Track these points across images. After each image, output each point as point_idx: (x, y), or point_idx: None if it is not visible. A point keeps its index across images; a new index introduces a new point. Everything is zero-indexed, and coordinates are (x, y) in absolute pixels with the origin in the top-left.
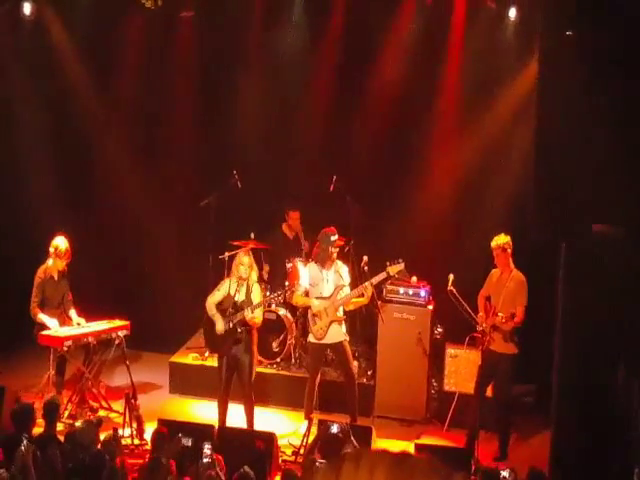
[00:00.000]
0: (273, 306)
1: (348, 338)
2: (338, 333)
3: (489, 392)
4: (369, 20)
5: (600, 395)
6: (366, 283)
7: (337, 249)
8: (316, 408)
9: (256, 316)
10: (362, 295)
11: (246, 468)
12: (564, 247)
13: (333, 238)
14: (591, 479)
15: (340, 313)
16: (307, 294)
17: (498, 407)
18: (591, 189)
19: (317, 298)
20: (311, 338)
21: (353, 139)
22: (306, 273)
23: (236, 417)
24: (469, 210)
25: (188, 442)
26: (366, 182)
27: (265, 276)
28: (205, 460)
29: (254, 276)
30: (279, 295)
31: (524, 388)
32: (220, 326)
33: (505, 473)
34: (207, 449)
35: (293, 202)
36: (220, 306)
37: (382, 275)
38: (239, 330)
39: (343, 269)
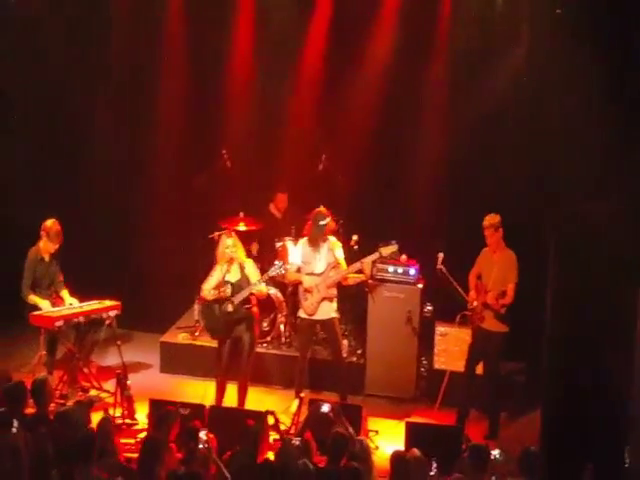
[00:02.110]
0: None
1: (339, 316)
2: (329, 310)
3: (479, 370)
4: (357, 3)
5: (590, 375)
6: (364, 261)
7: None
8: (306, 386)
9: (263, 288)
10: (359, 272)
11: (238, 447)
12: (552, 227)
13: (322, 223)
14: (581, 458)
15: (332, 291)
16: (299, 271)
17: (488, 385)
18: (580, 169)
19: (308, 274)
20: (301, 314)
21: (343, 118)
22: (298, 250)
23: (228, 396)
24: (459, 189)
25: (186, 411)
26: (356, 161)
27: (254, 252)
28: (201, 446)
29: (242, 253)
30: (281, 266)
31: (515, 366)
32: (228, 306)
33: (495, 453)
34: (203, 435)
35: (281, 184)
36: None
37: (374, 255)
38: (241, 309)
39: (337, 247)
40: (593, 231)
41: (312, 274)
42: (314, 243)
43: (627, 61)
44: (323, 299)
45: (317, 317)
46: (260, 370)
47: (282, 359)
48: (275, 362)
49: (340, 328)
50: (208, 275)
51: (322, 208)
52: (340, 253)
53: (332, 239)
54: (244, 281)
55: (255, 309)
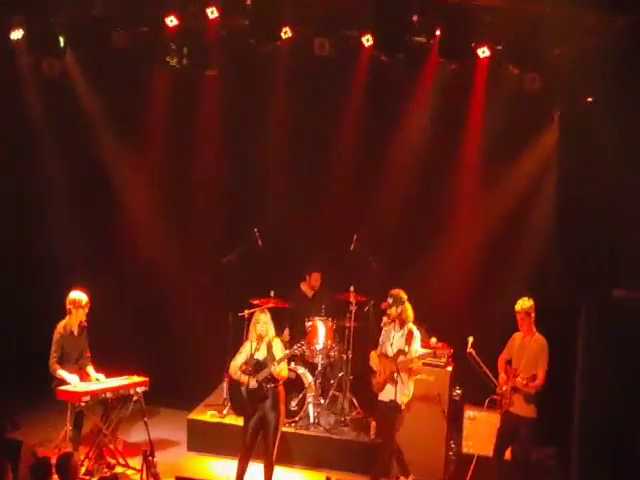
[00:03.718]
0: (292, 364)
1: (402, 403)
2: (392, 392)
3: (508, 455)
4: (392, 83)
5: (621, 457)
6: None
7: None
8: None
9: (282, 369)
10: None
11: None
12: (585, 311)
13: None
14: None
15: (401, 377)
16: None
17: (518, 470)
18: (613, 254)
19: (380, 355)
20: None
21: (375, 199)
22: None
23: (254, 476)
24: (490, 273)
25: None
26: (387, 242)
27: (285, 338)
28: None
29: (272, 331)
30: (301, 346)
31: (545, 451)
32: (251, 382)
33: None
34: None
35: (314, 263)
36: (243, 367)
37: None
38: (266, 387)
39: (414, 338)
40: (623, 318)
41: (383, 355)
42: (391, 325)
43: None
44: (386, 382)
45: (382, 398)
46: (288, 450)
47: (310, 439)
48: (303, 442)
49: (394, 418)
50: (237, 352)
51: (395, 291)
52: (415, 346)
53: (412, 328)
54: (270, 359)
55: (281, 388)
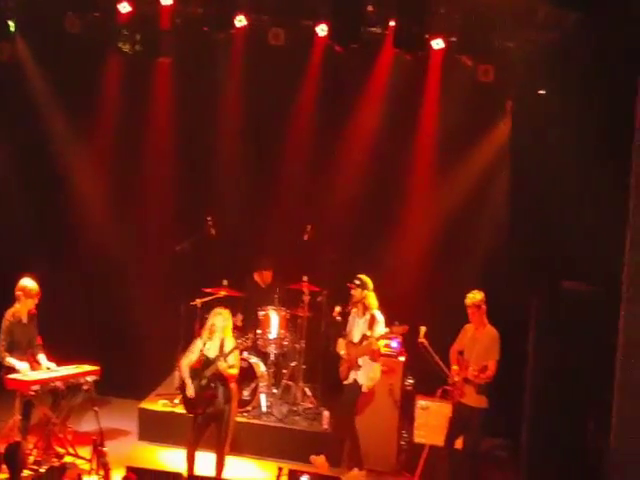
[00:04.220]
0: (245, 353)
1: (366, 388)
2: (354, 375)
3: (459, 444)
4: (347, 72)
5: (570, 449)
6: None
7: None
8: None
9: (231, 365)
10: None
11: None
12: (535, 304)
13: (352, 292)
14: None
15: (363, 361)
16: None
17: (468, 460)
18: (563, 246)
19: (347, 342)
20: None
21: (329, 189)
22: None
23: (205, 466)
24: (443, 263)
25: None
26: (341, 232)
27: (239, 323)
28: None
29: (229, 329)
30: (246, 340)
31: (496, 442)
32: (190, 391)
33: None
34: None
35: (265, 261)
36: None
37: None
38: (213, 385)
39: (377, 323)
40: (573, 310)
41: (350, 342)
42: (356, 312)
43: (610, 144)
44: (351, 368)
45: (347, 382)
46: (240, 440)
47: (262, 429)
48: (255, 432)
49: (354, 399)
50: (188, 350)
51: (364, 276)
52: (378, 329)
53: (375, 313)
54: (219, 357)
55: (234, 385)
